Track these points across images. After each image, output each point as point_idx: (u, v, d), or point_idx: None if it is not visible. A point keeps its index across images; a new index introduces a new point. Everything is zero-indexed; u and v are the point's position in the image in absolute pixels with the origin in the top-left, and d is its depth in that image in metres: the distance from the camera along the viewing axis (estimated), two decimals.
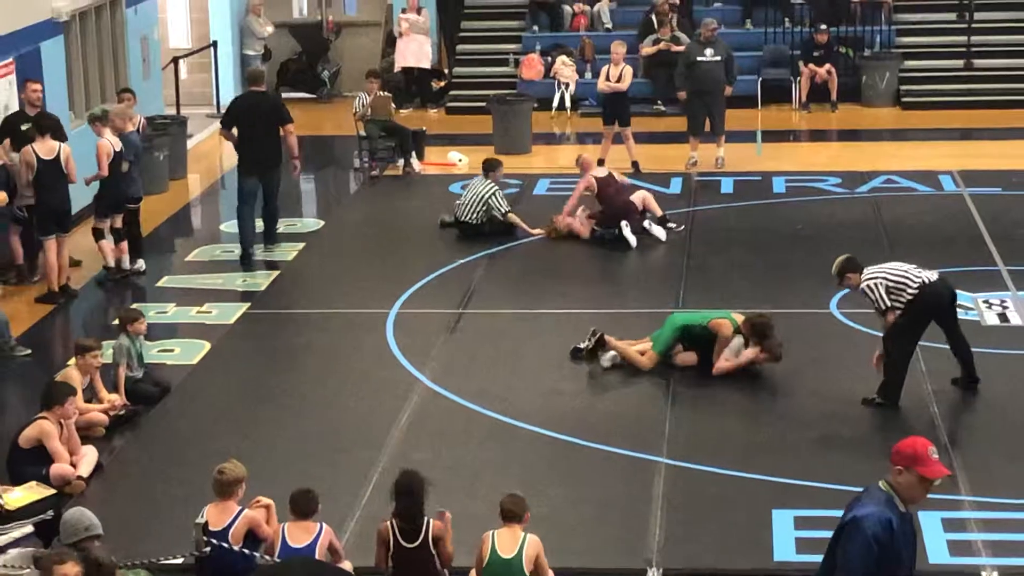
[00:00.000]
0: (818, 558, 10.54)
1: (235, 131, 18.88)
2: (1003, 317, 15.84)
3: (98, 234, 17.92)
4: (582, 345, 14.89)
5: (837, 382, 14.24)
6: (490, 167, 19.89)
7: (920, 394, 13.71)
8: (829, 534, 10.93)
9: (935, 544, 10.88)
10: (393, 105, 24.15)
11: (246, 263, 18.55)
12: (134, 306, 15.75)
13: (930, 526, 11.08)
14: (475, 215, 19.45)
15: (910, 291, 13.40)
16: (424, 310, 16.58)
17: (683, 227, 19.57)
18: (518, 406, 13.69)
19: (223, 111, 20.01)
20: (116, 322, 14.70)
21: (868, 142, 25.09)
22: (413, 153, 23.20)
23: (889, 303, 13.41)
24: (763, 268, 17.83)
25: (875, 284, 13.49)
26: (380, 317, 16.23)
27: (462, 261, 18.34)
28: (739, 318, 14.55)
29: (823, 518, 11.22)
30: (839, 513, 11.27)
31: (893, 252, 16.90)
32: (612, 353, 14.69)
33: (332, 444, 13.03)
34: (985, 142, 24.38)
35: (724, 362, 14.40)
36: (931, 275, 13.54)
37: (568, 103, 27.31)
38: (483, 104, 25.46)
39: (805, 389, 14.18)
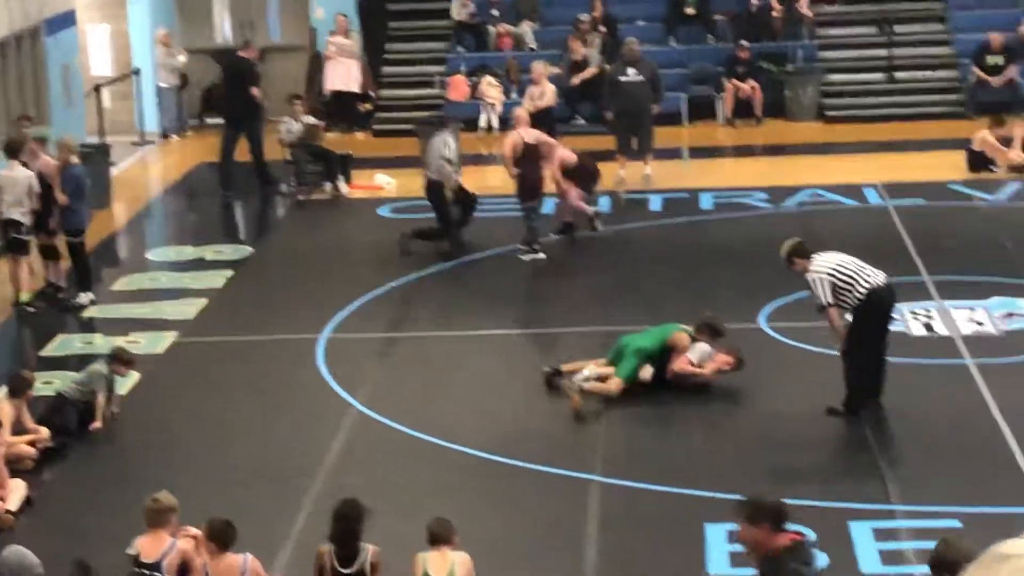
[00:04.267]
0: (750, 572, 10.62)
1: None
2: (928, 327, 15.99)
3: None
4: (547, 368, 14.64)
5: (768, 396, 14.33)
6: (441, 122, 20.14)
7: (848, 405, 13.80)
8: None
9: (867, 554, 10.97)
10: (324, 134, 24.15)
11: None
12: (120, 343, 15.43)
13: (861, 536, 11.18)
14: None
15: (858, 293, 13.29)
16: (355, 335, 16.56)
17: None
18: (451, 429, 13.69)
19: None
20: (107, 352, 14.59)
21: (793, 156, 25.30)
22: (341, 177, 23.20)
23: (832, 301, 13.33)
24: (692, 284, 17.93)
25: (821, 280, 13.35)
26: (310, 343, 16.19)
27: (392, 284, 18.33)
28: (690, 328, 14.57)
29: None
30: None
31: None
32: (585, 372, 14.43)
33: (265, 472, 12.97)
34: (908, 154, 24.64)
35: (689, 365, 14.38)
36: (879, 278, 13.43)
37: (495, 123, 27.37)
38: (410, 127, 25.47)
39: (736, 404, 14.26)
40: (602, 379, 14.43)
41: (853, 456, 13.02)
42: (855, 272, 13.41)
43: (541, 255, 19.21)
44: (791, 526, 7.76)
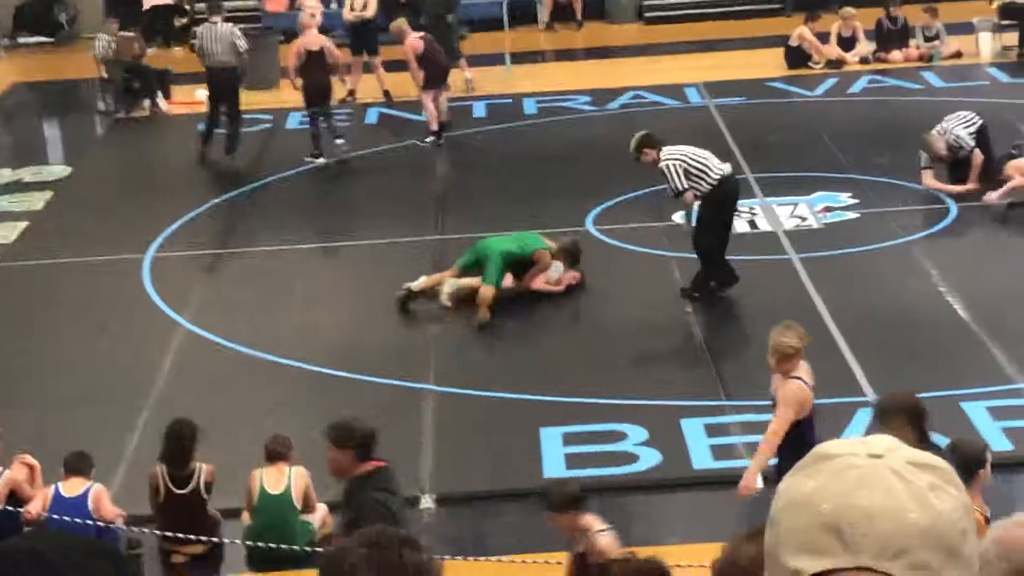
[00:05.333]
0: (587, 472, 10.77)
1: None
2: (752, 224, 16.22)
3: None
4: (402, 293, 14.25)
5: (596, 299, 14.45)
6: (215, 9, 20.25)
7: (678, 303, 13.98)
8: (596, 448, 11.23)
9: (699, 450, 11.15)
10: (137, 45, 23.60)
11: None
12: None
13: (693, 432, 11.36)
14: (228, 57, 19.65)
15: (709, 180, 13.58)
16: (181, 253, 16.33)
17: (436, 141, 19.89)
18: (283, 344, 13.59)
19: None
20: None
21: (615, 59, 25.37)
22: (159, 93, 22.76)
23: (687, 185, 13.57)
24: (519, 189, 17.93)
25: (674, 166, 13.59)
26: (135, 263, 15.92)
27: (216, 201, 18.09)
28: (552, 244, 14.54)
29: (589, 433, 11.45)
30: (606, 426, 11.58)
31: (643, 169, 17.15)
32: (449, 290, 14.14)
33: (95, 395, 12.77)
34: (728, 53, 24.84)
35: (545, 284, 14.39)
36: (728, 168, 13.80)
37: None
38: None
39: (565, 308, 14.36)
40: (473, 291, 14.08)
41: (683, 354, 13.19)
42: (706, 159, 13.75)
43: (321, 160, 19.26)
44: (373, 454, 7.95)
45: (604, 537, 8.25)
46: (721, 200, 13.72)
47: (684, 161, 13.63)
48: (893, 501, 2.00)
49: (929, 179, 16.61)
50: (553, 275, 14.43)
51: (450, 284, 14.21)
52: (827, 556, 2.01)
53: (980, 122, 16.88)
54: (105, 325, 14.50)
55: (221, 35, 19.77)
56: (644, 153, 13.82)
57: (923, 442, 8.25)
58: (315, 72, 19.45)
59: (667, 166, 13.62)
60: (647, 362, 13.07)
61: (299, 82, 19.47)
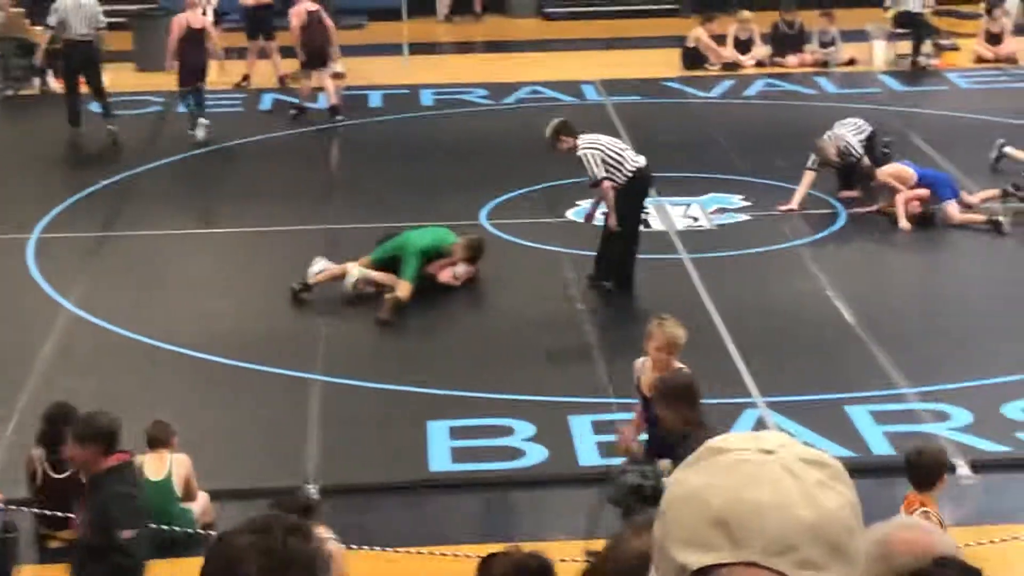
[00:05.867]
0: (473, 466, 10.76)
1: None
2: (645, 223, 16.19)
3: None
4: (296, 286, 14.05)
5: (489, 294, 14.44)
6: None
7: (569, 300, 14.00)
8: (483, 442, 11.21)
9: (586, 447, 11.14)
10: (27, 21, 23.25)
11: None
12: None
13: (581, 429, 11.36)
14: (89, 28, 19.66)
15: (627, 170, 13.68)
16: (67, 234, 16.08)
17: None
18: (169, 329, 13.42)
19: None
20: None
21: (513, 53, 25.39)
22: (49, 72, 22.41)
23: (605, 174, 13.62)
24: (414, 181, 17.85)
25: (592, 154, 13.67)
26: (20, 243, 15.66)
27: (105, 182, 17.84)
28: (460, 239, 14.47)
29: (477, 427, 11.42)
30: (493, 421, 11.56)
31: (537, 163, 17.19)
32: (355, 276, 14.00)
33: None
34: (625, 51, 24.95)
35: (452, 279, 14.29)
36: (643, 160, 13.90)
37: (211, 18, 26.71)
38: (124, 20, 24.69)
39: (458, 302, 14.32)
40: (381, 285, 13.98)
41: (573, 351, 13.19)
42: (622, 150, 13.88)
43: (201, 131, 19.40)
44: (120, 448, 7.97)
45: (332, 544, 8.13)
46: (636, 192, 13.81)
47: (601, 150, 13.74)
48: (782, 497, 1.99)
49: (805, 182, 16.57)
50: (460, 270, 14.38)
51: (359, 271, 14.08)
52: (714, 551, 2.00)
53: (870, 130, 17.06)
54: None
55: (82, 6, 19.59)
56: (561, 140, 13.88)
57: (697, 424, 8.52)
58: (193, 51, 19.61)
59: (585, 154, 13.71)
60: (537, 358, 13.04)
61: (175, 64, 19.67)
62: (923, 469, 8.52)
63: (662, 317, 9.67)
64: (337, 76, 21.12)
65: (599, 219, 14.28)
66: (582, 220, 14.79)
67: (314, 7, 20.71)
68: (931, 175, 16.47)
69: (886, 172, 16.46)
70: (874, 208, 16.31)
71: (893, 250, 16.01)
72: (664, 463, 8.72)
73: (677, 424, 8.61)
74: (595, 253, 14.20)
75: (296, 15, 20.52)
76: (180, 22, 19.85)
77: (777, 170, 17.65)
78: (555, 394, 12.03)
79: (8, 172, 18.70)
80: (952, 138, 19.10)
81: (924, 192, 16.14)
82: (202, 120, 19.44)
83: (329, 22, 20.94)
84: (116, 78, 22.29)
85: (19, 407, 11.78)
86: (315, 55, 20.53)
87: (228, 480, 10.61)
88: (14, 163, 19.13)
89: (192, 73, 19.57)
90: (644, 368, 9.77)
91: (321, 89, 20.81)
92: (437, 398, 12.02)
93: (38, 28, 21.80)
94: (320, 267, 14.11)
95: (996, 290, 14.70)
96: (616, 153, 13.80)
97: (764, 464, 2.02)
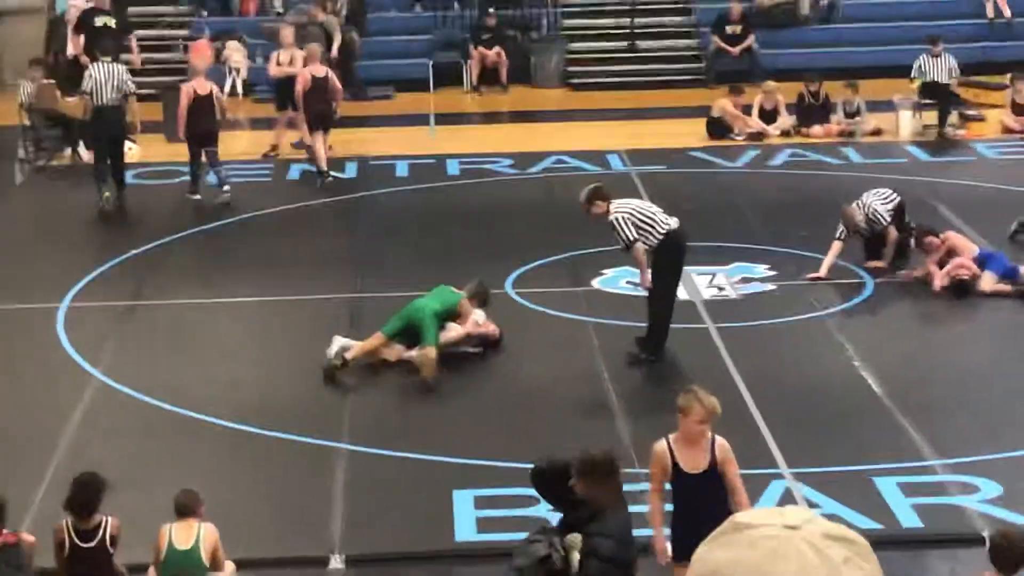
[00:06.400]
0: (498, 536, 10.73)
1: None
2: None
3: None
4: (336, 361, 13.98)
5: (514, 362, 14.44)
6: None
7: (594, 369, 13.99)
8: (509, 512, 11.17)
9: None
10: (59, 93, 23.45)
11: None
12: None
13: None
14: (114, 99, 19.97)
15: (658, 233, 13.74)
16: (96, 303, 16.17)
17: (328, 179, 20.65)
18: (196, 398, 13.47)
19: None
20: None
21: (538, 123, 25.49)
22: (80, 142, 22.60)
23: (636, 236, 13.69)
24: (439, 251, 17.92)
25: (623, 219, 13.74)
26: (50, 312, 15.75)
27: (135, 252, 17.94)
28: (462, 292, 14.58)
29: (502, 497, 11.39)
30: (519, 491, 11.51)
31: (562, 232, 17.25)
32: (342, 349, 13.96)
33: (3, 446, 12.59)
34: (650, 121, 25.02)
35: (476, 327, 14.42)
36: (675, 222, 13.96)
37: (240, 89, 26.98)
38: (154, 92, 24.91)
39: (485, 371, 14.34)
40: (405, 358, 14.06)
41: (599, 420, 13.15)
42: (654, 213, 13.94)
43: (197, 196, 19.96)
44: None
45: None
46: (666, 252, 13.83)
47: (633, 214, 13.80)
48: (806, 574, 2.00)
49: (833, 251, 16.60)
50: (479, 318, 14.48)
51: (377, 344, 14.11)
52: None
53: (898, 199, 17.06)
54: (16, 374, 14.33)
55: (111, 74, 19.86)
56: (595, 205, 13.95)
57: (616, 500, 8.38)
58: (201, 118, 20.00)
59: (616, 219, 13.76)
60: (562, 427, 13.02)
61: (183, 130, 20.14)
62: (1011, 552, 8.40)
63: (692, 389, 9.46)
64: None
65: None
66: (639, 286, 14.69)
67: (321, 72, 20.98)
68: (987, 254, 16.41)
69: (953, 236, 16.53)
70: (916, 273, 16.27)
71: (921, 320, 15.99)
72: (574, 537, 8.46)
73: (600, 500, 8.37)
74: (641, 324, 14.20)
75: (301, 80, 20.80)
76: (187, 91, 20.33)
77: (802, 240, 17.65)
78: None
79: (39, 241, 18.83)
80: (978, 208, 19.08)
81: (973, 265, 16.07)
82: (224, 188, 19.85)
83: (338, 86, 21.25)
84: (148, 149, 22.50)
85: (48, 476, 11.81)
86: (318, 118, 20.78)
87: (254, 549, 10.62)
88: (45, 232, 19.27)
89: (199, 139, 19.99)
90: (676, 445, 9.33)
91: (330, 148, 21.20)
92: (463, 467, 12.01)
93: (70, 100, 21.99)
94: (338, 347, 14.09)
95: None
96: (648, 216, 13.86)
97: (789, 540, 2.03)
